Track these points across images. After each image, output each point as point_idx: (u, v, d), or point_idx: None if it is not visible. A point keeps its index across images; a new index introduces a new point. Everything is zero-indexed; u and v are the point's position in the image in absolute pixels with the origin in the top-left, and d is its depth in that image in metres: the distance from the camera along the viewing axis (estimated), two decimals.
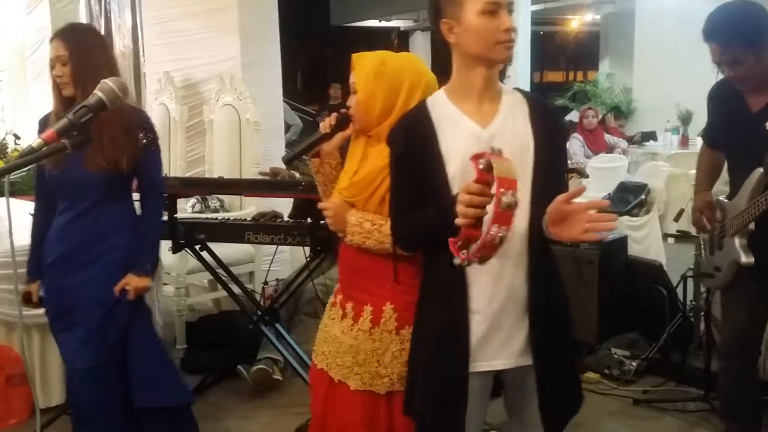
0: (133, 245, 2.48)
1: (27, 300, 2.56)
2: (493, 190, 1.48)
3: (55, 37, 2.45)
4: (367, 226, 1.95)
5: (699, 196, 2.83)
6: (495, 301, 1.70)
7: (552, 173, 1.73)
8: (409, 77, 2.00)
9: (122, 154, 2.37)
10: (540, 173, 1.68)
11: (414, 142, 1.71)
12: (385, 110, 1.98)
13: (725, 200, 2.72)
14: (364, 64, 2.01)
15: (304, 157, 2.18)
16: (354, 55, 2.03)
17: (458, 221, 1.53)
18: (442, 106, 1.75)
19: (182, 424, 2.68)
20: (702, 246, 2.98)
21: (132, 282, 2.43)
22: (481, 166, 1.50)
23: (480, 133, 1.70)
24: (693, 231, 3.68)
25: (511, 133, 1.69)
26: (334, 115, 2.07)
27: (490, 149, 1.50)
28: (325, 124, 2.07)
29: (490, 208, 1.49)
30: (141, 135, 2.44)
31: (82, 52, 2.41)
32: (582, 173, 4.89)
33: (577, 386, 1.92)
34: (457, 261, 1.54)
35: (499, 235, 1.47)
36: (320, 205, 2.08)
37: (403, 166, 1.74)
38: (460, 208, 1.52)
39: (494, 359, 1.74)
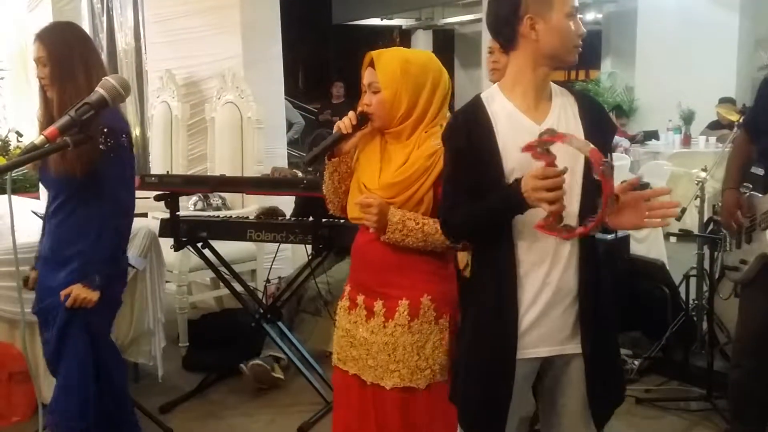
0: (92, 254, 2.37)
1: (25, 283, 2.55)
2: (558, 163, 1.58)
3: (35, 39, 2.40)
4: (411, 225, 1.93)
5: (729, 193, 2.79)
6: (546, 292, 1.74)
7: None
8: (431, 75, 2.00)
9: (76, 161, 2.26)
10: (590, 167, 1.70)
11: (473, 137, 1.73)
12: (409, 108, 1.97)
13: (757, 194, 2.70)
14: (387, 62, 1.98)
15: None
16: (373, 53, 2.00)
17: (546, 207, 1.58)
18: (498, 102, 1.77)
19: None
20: (727, 239, 2.94)
21: (74, 290, 2.33)
22: (539, 151, 1.58)
23: (535, 130, 1.72)
24: (695, 230, 3.68)
25: (564, 129, 1.73)
26: (352, 113, 2.03)
27: (540, 134, 1.57)
28: (346, 124, 2.02)
29: (573, 184, 1.64)
30: (100, 140, 2.28)
31: (60, 52, 2.35)
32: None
33: (621, 375, 1.96)
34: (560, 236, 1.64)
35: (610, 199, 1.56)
36: (363, 200, 1.96)
37: (462, 161, 1.75)
38: (541, 194, 1.57)
39: (540, 346, 1.77)
